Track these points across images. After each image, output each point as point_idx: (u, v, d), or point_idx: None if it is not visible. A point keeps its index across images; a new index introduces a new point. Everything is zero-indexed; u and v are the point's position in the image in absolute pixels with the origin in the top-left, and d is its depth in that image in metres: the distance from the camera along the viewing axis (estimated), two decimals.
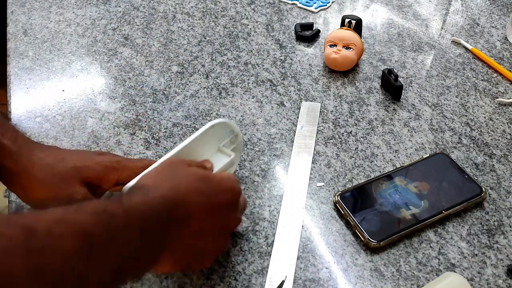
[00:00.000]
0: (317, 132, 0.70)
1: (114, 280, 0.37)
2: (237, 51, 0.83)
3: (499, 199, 0.62)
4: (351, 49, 0.78)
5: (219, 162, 0.57)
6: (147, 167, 0.52)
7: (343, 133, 0.70)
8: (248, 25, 0.89)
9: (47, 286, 0.31)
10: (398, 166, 0.65)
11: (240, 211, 0.53)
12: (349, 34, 0.79)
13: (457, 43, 0.86)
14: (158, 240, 0.42)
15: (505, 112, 0.74)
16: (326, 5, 0.95)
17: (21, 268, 0.29)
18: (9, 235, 0.30)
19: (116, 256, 0.37)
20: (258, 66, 0.81)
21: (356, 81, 0.78)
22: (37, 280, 0.30)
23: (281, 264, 0.54)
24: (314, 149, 0.67)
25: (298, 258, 0.56)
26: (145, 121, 0.71)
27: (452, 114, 0.73)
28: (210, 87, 0.77)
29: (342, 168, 0.65)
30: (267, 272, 0.54)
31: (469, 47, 0.85)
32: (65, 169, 0.51)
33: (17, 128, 0.54)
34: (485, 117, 0.73)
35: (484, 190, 0.61)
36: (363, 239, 0.56)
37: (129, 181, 0.50)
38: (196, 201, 0.46)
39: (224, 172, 0.55)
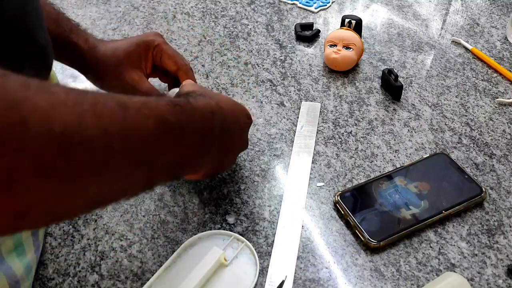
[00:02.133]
0: (317, 132, 0.70)
1: (174, 171, 0.45)
2: (237, 51, 0.83)
3: (499, 199, 0.62)
4: (351, 49, 0.78)
5: None
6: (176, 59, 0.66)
7: (343, 133, 0.70)
8: (248, 25, 0.89)
9: (134, 151, 0.37)
10: (398, 166, 0.65)
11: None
12: (349, 34, 0.79)
13: (457, 43, 0.86)
14: (209, 145, 0.48)
15: (505, 112, 0.74)
16: (326, 5, 0.95)
17: (116, 132, 0.35)
18: (111, 106, 0.35)
19: (179, 149, 0.43)
20: (258, 66, 0.81)
21: (356, 81, 0.78)
22: (126, 142, 0.36)
23: (281, 264, 0.54)
24: (314, 149, 0.67)
25: (298, 258, 0.56)
26: None
27: (452, 114, 0.73)
28: (210, 87, 0.77)
29: (342, 168, 0.65)
30: (267, 272, 0.54)
31: (469, 47, 0.85)
32: (116, 60, 0.64)
33: (77, 25, 0.66)
34: (485, 117, 0.73)
35: (484, 190, 0.61)
36: (363, 239, 0.56)
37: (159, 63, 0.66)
38: (232, 118, 0.53)
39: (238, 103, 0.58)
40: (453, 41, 0.87)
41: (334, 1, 0.96)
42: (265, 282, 0.53)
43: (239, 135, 0.56)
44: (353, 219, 0.58)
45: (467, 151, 0.68)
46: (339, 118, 0.72)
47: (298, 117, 0.72)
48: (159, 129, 0.39)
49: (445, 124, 0.72)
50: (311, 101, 0.74)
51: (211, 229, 0.58)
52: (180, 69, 0.66)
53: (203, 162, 0.49)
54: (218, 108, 0.50)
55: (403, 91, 0.75)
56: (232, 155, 0.58)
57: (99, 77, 0.66)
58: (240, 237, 0.56)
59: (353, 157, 0.67)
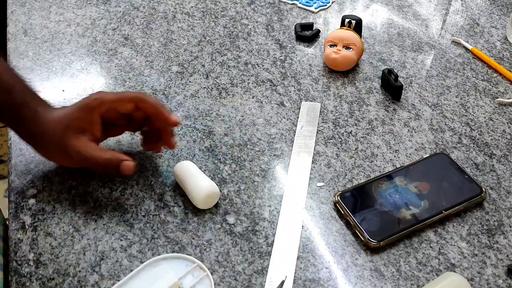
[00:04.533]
0: (317, 132, 0.70)
1: None
2: (237, 51, 0.83)
3: (499, 199, 0.62)
4: (351, 49, 0.78)
5: None
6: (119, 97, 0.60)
7: (343, 133, 0.70)
8: (248, 25, 0.89)
9: None
10: (398, 166, 0.65)
11: None
12: (349, 34, 0.79)
13: (457, 43, 0.86)
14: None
15: (505, 112, 0.74)
16: (326, 5, 0.95)
17: None
18: None
19: None
20: (258, 66, 0.81)
21: (356, 81, 0.78)
22: None
23: (281, 264, 0.54)
24: (314, 149, 0.67)
25: (298, 258, 0.56)
26: None
27: (452, 114, 0.73)
28: (210, 87, 0.77)
29: (342, 168, 0.65)
30: (267, 272, 0.54)
31: (469, 47, 0.85)
32: (60, 131, 0.59)
33: (33, 95, 0.62)
34: (485, 117, 0.73)
35: (484, 190, 0.61)
36: (363, 239, 0.56)
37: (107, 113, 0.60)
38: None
39: None
40: (453, 41, 0.87)
41: (334, 1, 0.96)
42: (265, 282, 0.53)
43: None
44: (353, 219, 0.58)
45: (467, 151, 0.68)
46: (339, 118, 0.72)
47: (298, 117, 0.72)
48: None
49: (445, 124, 0.72)
50: (311, 101, 0.74)
51: (211, 229, 0.58)
52: (135, 100, 0.60)
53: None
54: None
55: (403, 91, 0.75)
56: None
57: (46, 153, 0.62)
58: (204, 266, 0.53)
59: (353, 157, 0.67)
